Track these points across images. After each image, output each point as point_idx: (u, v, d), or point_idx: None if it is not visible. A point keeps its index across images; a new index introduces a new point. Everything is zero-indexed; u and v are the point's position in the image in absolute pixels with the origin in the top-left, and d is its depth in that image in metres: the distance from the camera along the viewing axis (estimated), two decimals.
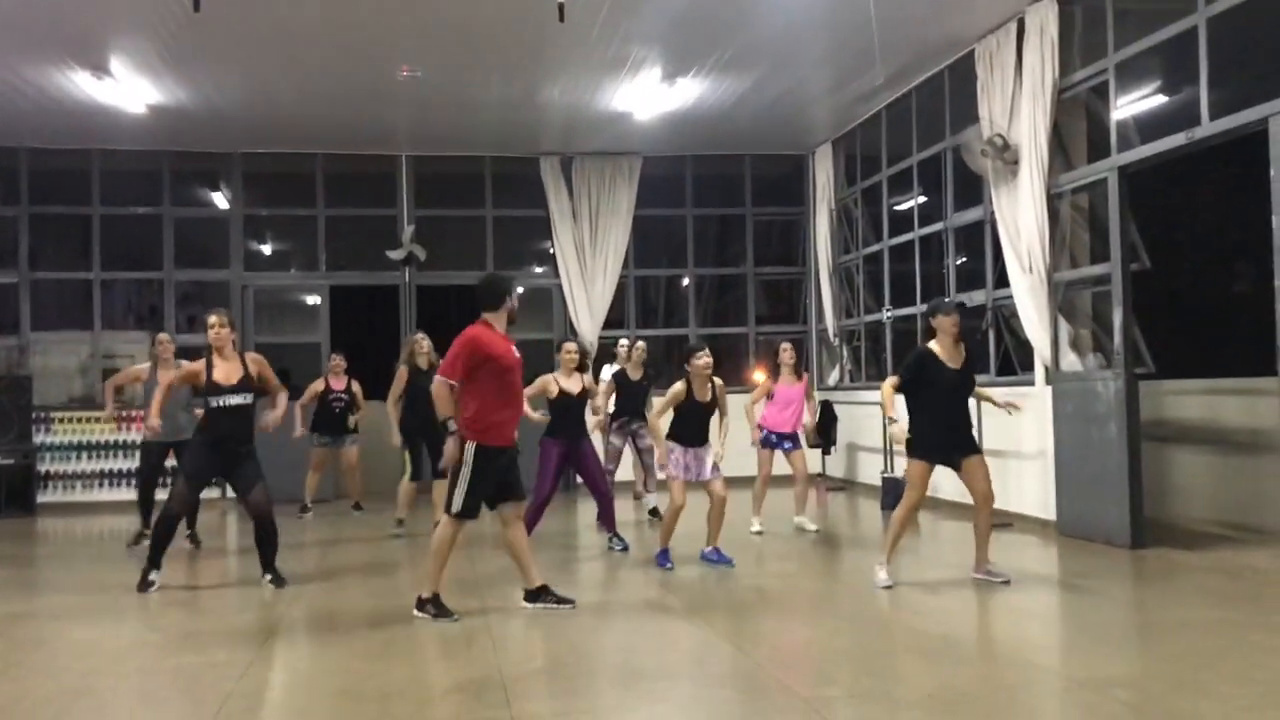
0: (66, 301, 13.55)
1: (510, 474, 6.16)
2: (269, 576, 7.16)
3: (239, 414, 7.02)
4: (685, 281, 14.49)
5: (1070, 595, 6.79)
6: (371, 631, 5.84)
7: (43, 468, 12.49)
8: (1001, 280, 9.59)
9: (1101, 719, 4.15)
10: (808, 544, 8.77)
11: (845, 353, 13.39)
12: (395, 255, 13.43)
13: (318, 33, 9.26)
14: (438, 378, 5.90)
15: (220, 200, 13.74)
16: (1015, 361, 9.74)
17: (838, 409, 12.67)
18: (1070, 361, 8.81)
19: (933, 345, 6.75)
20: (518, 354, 6.14)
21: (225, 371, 7.03)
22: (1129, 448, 7.98)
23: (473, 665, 5.10)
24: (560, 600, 6.25)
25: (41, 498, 12.29)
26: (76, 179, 13.02)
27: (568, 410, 8.36)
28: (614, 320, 13.78)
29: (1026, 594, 6.64)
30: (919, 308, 11.22)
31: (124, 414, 12.43)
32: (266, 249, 14.52)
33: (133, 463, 12.35)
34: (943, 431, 6.69)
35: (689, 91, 11.11)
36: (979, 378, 9.97)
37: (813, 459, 12.80)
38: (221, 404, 6.96)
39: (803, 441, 9.62)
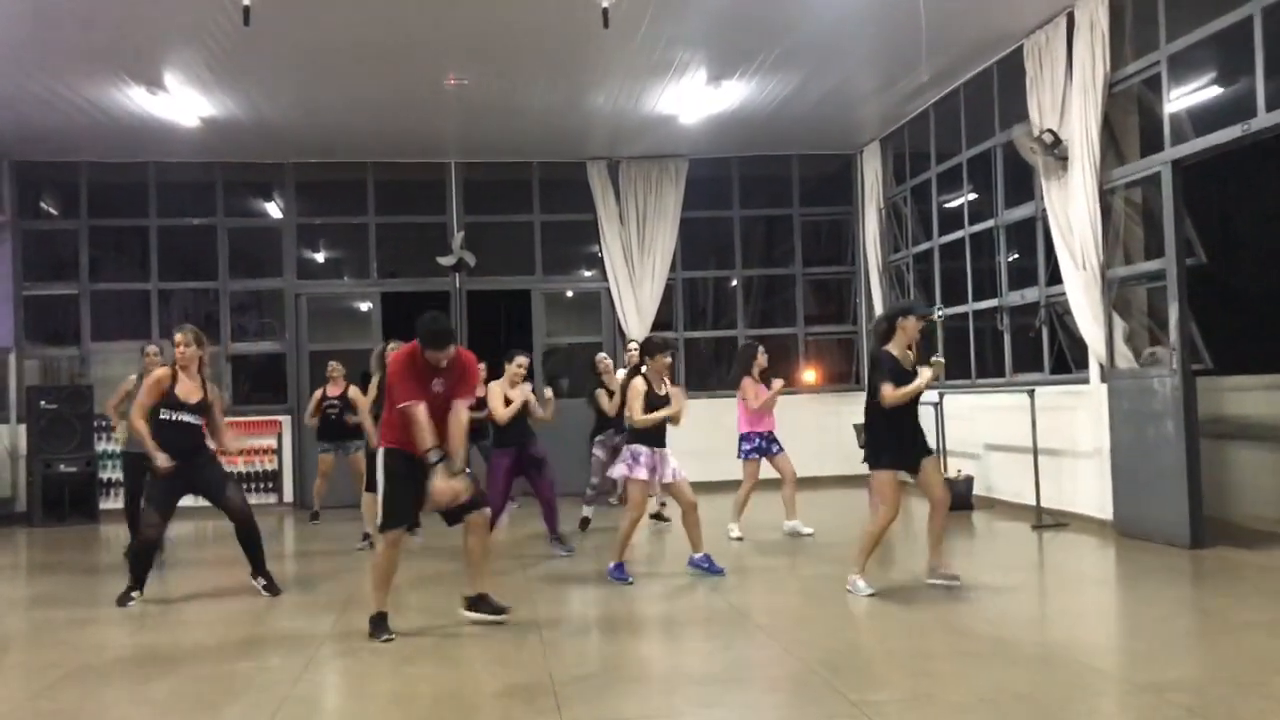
0: (125, 312, 13.82)
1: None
2: (261, 581, 7.19)
3: (189, 431, 7.03)
4: (733, 283, 14.45)
5: (1128, 596, 6.70)
6: (424, 637, 5.90)
7: (104, 475, 12.74)
8: (1054, 277, 9.46)
9: None
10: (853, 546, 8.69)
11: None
12: (446, 261, 13.53)
13: (365, 44, 9.35)
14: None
15: (273, 210, 13.93)
16: (1070, 359, 9.61)
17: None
18: (1126, 359, 8.67)
19: (890, 347, 6.70)
20: (437, 388, 5.83)
21: (186, 389, 7.04)
22: (1187, 446, 7.83)
23: (523, 670, 5.12)
24: (496, 610, 6.09)
25: (103, 504, 12.50)
26: (133, 192, 13.26)
27: (514, 420, 8.46)
28: (662, 322, 13.76)
29: (1083, 595, 6.55)
30: (971, 306, 11.12)
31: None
32: (319, 257, 14.69)
33: None
34: (906, 434, 6.65)
35: (734, 93, 11.09)
36: (1032, 376, 9.96)
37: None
38: (173, 418, 6.96)
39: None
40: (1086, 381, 9.14)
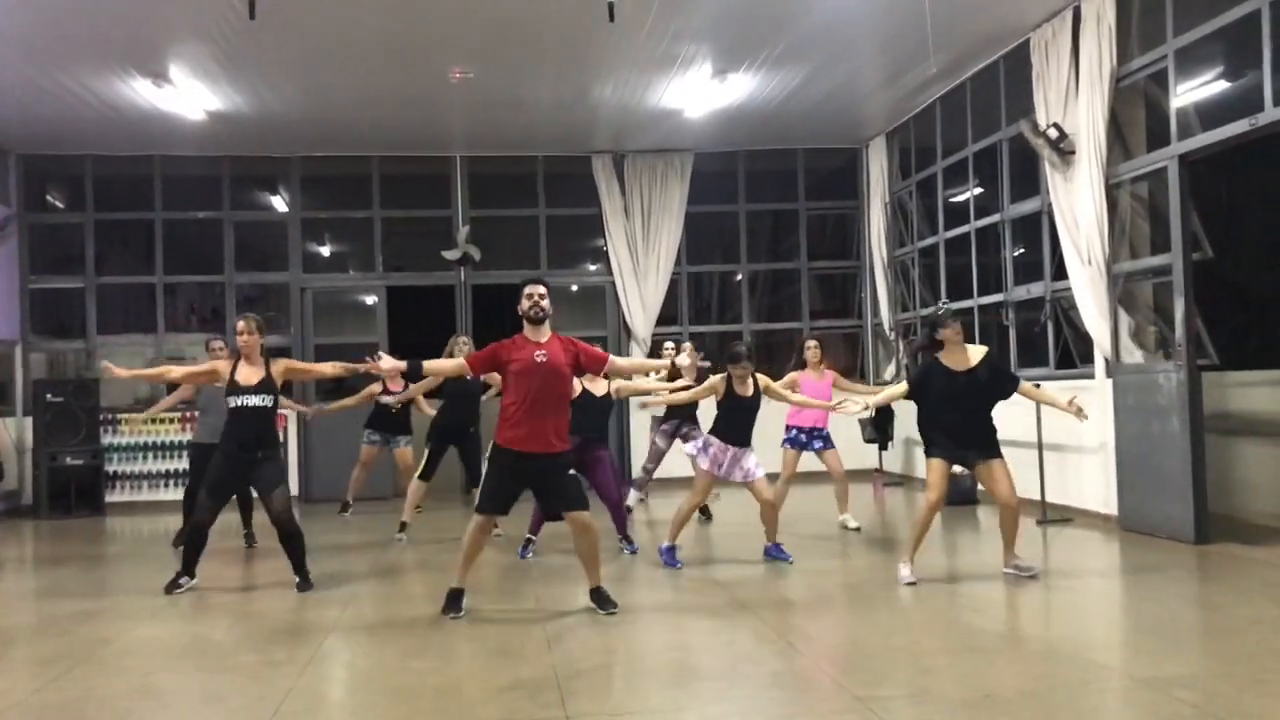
0: (131, 305, 13.84)
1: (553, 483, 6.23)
2: (298, 580, 7.26)
3: (257, 416, 7.11)
4: (738, 277, 14.43)
5: (1132, 591, 6.69)
6: (428, 630, 5.91)
7: (110, 468, 12.77)
8: (1060, 272, 9.45)
9: (1163, 719, 4.08)
10: (860, 541, 8.70)
11: (901, 347, 13.26)
12: (450, 256, 13.54)
13: (371, 38, 9.35)
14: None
15: (279, 204, 13.94)
16: (1075, 354, 9.59)
17: (894, 404, 12.52)
18: (1131, 354, 8.66)
19: (941, 357, 6.89)
20: (541, 359, 6.09)
21: (247, 373, 7.16)
22: (1192, 441, 7.83)
23: (527, 664, 5.13)
24: (604, 603, 6.24)
25: (109, 497, 12.57)
26: (139, 185, 13.27)
27: (584, 410, 7.78)
28: (667, 317, 13.77)
29: (1087, 590, 6.54)
30: (976, 301, 11.11)
31: (185, 414, 12.68)
32: (325, 251, 14.69)
33: None
34: (956, 431, 6.75)
35: (740, 87, 11.07)
36: (1037, 371, 9.92)
37: (870, 454, 12.78)
38: (241, 404, 7.09)
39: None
40: (1092, 376, 9.12)
